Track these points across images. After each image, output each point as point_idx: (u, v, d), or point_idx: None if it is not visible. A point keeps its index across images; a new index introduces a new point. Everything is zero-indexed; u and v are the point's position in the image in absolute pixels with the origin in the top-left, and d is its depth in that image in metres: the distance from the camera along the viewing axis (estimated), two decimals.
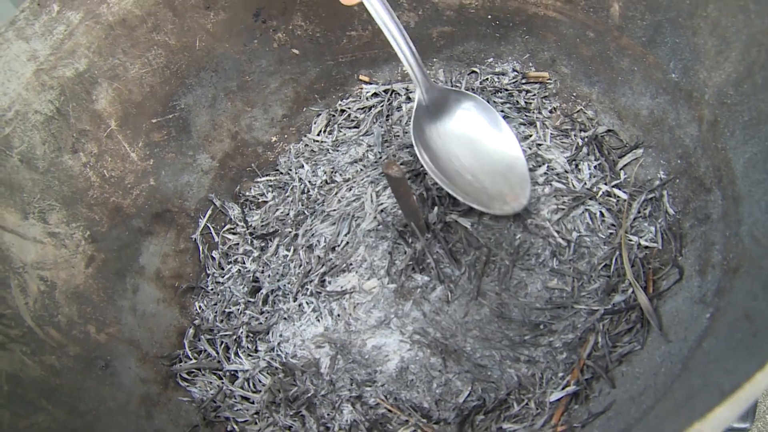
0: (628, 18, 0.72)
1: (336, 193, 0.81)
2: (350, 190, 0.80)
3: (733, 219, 0.59)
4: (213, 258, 0.81)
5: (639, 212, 0.70)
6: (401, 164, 0.79)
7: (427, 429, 0.65)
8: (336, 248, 0.76)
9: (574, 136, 0.78)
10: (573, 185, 0.74)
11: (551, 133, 0.79)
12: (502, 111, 0.81)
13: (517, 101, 0.82)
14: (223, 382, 0.71)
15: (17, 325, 0.62)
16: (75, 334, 0.67)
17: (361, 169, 0.82)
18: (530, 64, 0.84)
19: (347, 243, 0.76)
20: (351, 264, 0.75)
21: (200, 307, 0.78)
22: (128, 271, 0.75)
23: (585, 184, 0.74)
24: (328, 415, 0.68)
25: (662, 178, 0.71)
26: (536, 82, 0.83)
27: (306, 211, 0.81)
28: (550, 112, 0.81)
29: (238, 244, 0.82)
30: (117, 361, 0.69)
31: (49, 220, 0.69)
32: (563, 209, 0.73)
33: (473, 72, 0.86)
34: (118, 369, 0.68)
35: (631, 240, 0.69)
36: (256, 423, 0.68)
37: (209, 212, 0.83)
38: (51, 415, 0.59)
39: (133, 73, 0.76)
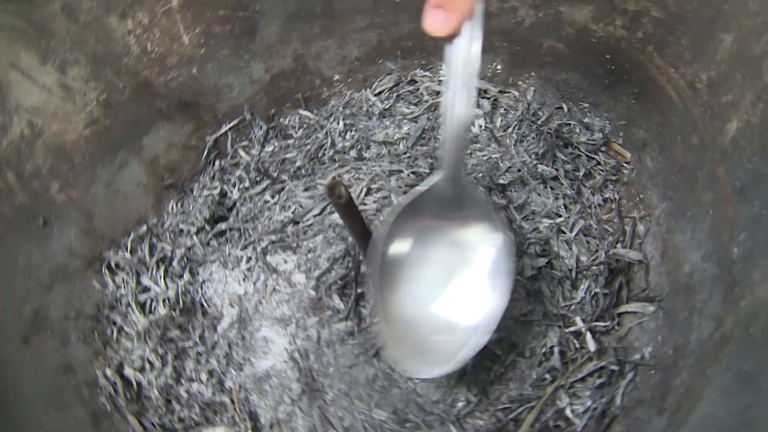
0: (738, 147, 0.58)
1: (340, 167, 0.77)
2: (355, 171, 0.76)
3: None
4: (213, 165, 0.81)
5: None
6: (408, 180, 0.72)
7: None
8: (299, 224, 0.74)
9: (605, 245, 0.68)
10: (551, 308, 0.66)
11: (583, 226, 0.69)
12: (554, 167, 0.71)
13: (578, 167, 0.72)
14: (135, 290, 0.73)
15: None
16: (34, 185, 0.71)
17: (384, 155, 0.77)
18: (620, 135, 0.71)
19: (310, 225, 0.74)
20: (299, 248, 0.73)
21: (172, 207, 0.79)
22: (126, 146, 0.77)
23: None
24: (190, 370, 0.69)
25: (646, 355, 0.61)
26: (613, 158, 0.71)
27: (309, 168, 0.78)
28: (604, 201, 0.70)
29: (239, 165, 0.81)
30: (59, 224, 0.72)
31: (68, 72, 0.71)
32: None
33: (559, 108, 0.75)
34: (55, 232, 0.72)
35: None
36: (131, 341, 0.71)
37: (236, 122, 0.82)
38: None
39: None
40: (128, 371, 0.69)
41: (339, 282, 0.69)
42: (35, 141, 0.71)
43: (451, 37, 0.48)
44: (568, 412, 0.60)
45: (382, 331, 0.59)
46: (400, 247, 0.59)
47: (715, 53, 0.60)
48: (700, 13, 0.61)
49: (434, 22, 0.46)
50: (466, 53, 0.48)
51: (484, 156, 0.74)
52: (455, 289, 0.58)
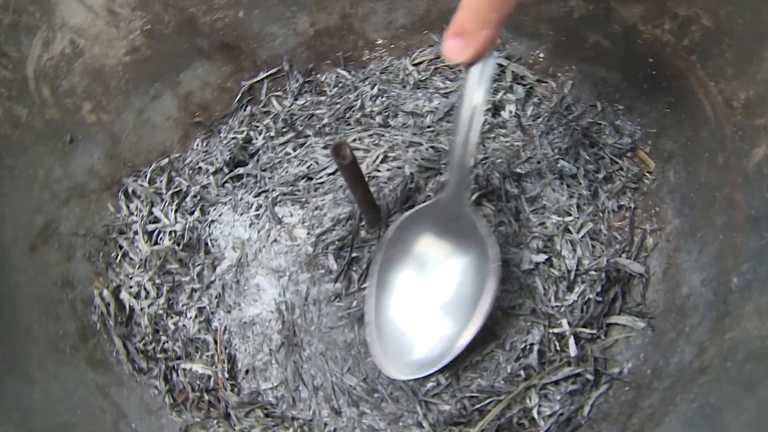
0: (761, 174, 0.56)
1: (363, 130, 0.76)
2: (377, 137, 0.76)
3: None
4: (244, 110, 0.82)
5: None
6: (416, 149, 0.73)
7: (219, 385, 0.67)
8: (312, 180, 0.74)
9: (610, 253, 0.66)
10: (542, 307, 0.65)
11: (592, 229, 0.67)
12: (576, 165, 0.70)
13: (599, 168, 0.70)
14: (145, 219, 0.75)
15: (13, 69, 0.68)
16: (67, 102, 0.73)
17: (409, 126, 0.77)
18: (649, 142, 0.69)
19: (322, 183, 0.74)
20: (307, 204, 0.73)
21: (198, 144, 0.81)
22: (162, 77, 0.79)
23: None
24: (182, 304, 0.71)
25: (624, 371, 0.61)
26: (637, 165, 0.69)
27: (333, 126, 0.79)
28: (618, 207, 0.68)
29: (269, 114, 0.82)
30: (85, 143, 0.75)
31: None
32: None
33: (593, 106, 0.72)
34: (78, 151, 0.75)
35: None
36: (133, 267, 0.73)
37: (274, 71, 0.83)
38: None
39: None
40: (124, 295, 0.72)
41: (337, 243, 0.69)
42: (75, 60, 0.74)
43: (467, 65, 0.50)
44: (534, 412, 0.60)
45: (370, 332, 0.64)
46: (399, 253, 0.64)
47: (757, 72, 0.57)
48: (751, 27, 0.58)
49: (451, 50, 0.48)
50: (478, 81, 0.50)
51: (507, 142, 0.72)
52: (443, 301, 0.62)
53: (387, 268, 0.64)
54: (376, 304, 0.64)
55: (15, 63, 0.69)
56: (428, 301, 0.63)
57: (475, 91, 0.51)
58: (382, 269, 0.64)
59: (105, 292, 0.71)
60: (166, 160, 0.80)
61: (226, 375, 0.67)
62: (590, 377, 0.60)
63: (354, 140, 0.76)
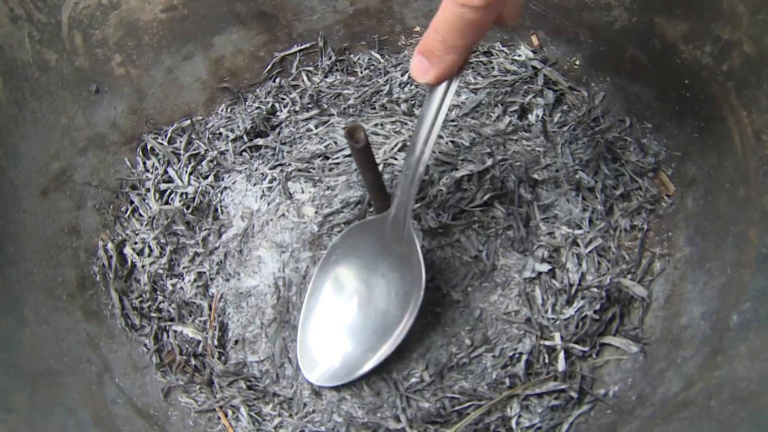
0: None
1: (387, 116, 0.76)
2: (400, 124, 0.75)
3: None
4: (272, 81, 0.83)
5: None
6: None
7: (207, 351, 0.68)
8: (328, 159, 0.74)
9: (615, 272, 0.65)
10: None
11: (600, 246, 0.66)
12: (594, 179, 0.69)
13: (617, 185, 0.68)
14: (160, 177, 0.77)
15: (48, 13, 0.69)
16: (97, 52, 0.74)
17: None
18: (672, 165, 0.67)
19: (338, 163, 0.74)
20: (320, 183, 0.73)
21: (222, 110, 0.82)
22: (195, 39, 0.79)
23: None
24: (183, 267, 0.72)
25: (610, 393, 0.60)
26: (656, 187, 0.67)
27: (358, 108, 0.79)
28: (631, 227, 0.67)
29: (297, 88, 0.82)
30: (110, 95, 0.76)
31: None
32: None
33: (621, 121, 0.71)
34: (103, 103, 0.76)
35: None
36: (140, 224, 0.75)
37: (307, 45, 0.83)
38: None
39: None
40: (128, 250, 0.73)
41: (343, 225, 0.69)
42: (110, 11, 0.75)
43: (431, 85, 0.49)
44: (513, 422, 0.59)
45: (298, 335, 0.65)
46: (338, 262, 0.65)
47: None
48: None
49: (417, 69, 0.48)
50: (438, 105, 0.50)
51: (528, 146, 0.71)
52: (370, 312, 0.63)
53: (323, 275, 0.65)
54: (306, 307, 0.65)
55: (50, 7, 0.71)
56: (351, 314, 0.64)
57: (434, 114, 0.51)
58: (319, 274, 0.65)
59: (109, 245, 0.73)
60: (189, 121, 0.81)
61: (216, 342, 0.68)
62: (574, 395, 0.60)
63: (376, 125, 0.76)
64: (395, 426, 0.61)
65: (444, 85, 0.49)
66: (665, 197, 0.67)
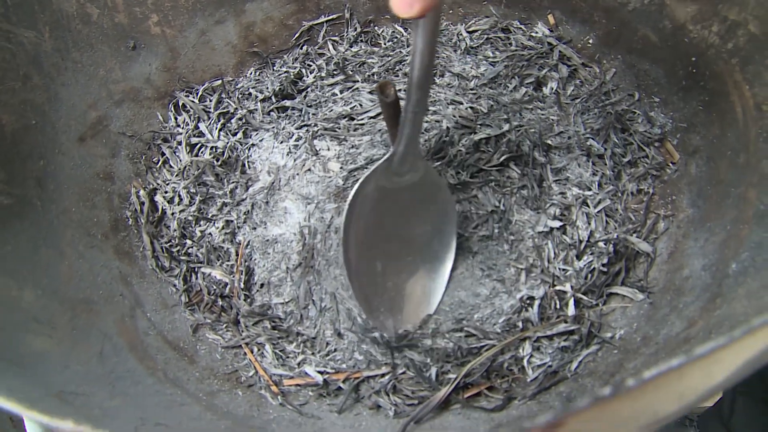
0: None
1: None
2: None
3: None
4: (300, 48, 0.88)
5: None
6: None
7: (234, 293, 0.73)
8: (354, 120, 0.80)
9: (621, 231, 0.71)
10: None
11: (608, 207, 0.72)
12: (604, 146, 0.75)
13: (626, 153, 0.75)
14: (191, 132, 0.82)
15: None
16: (136, 11, 0.80)
17: (453, 86, 0.82)
18: (677, 136, 0.73)
19: (363, 124, 0.80)
20: (345, 141, 0.79)
21: (251, 73, 0.87)
22: (228, 4, 0.85)
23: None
24: (212, 215, 0.78)
25: (616, 336, 0.66)
26: (662, 155, 0.73)
27: (382, 76, 0.84)
28: (638, 191, 0.72)
29: (323, 56, 0.88)
30: (146, 52, 0.82)
31: None
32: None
33: (631, 95, 0.77)
34: (140, 58, 0.81)
35: None
36: (171, 174, 0.80)
37: (334, 16, 0.89)
38: (41, 35, 0.72)
39: None
40: (158, 198, 0.78)
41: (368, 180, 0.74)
42: None
43: (415, 18, 0.52)
44: (525, 361, 0.65)
45: (356, 298, 0.70)
46: (362, 214, 0.68)
47: None
48: None
49: (400, 5, 0.50)
50: (429, 39, 0.53)
51: (543, 115, 0.78)
52: (414, 249, 0.70)
53: (353, 230, 0.68)
54: (355, 272, 0.69)
55: None
56: (397, 255, 0.69)
57: (427, 49, 0.54)
58: (348, 232, 0.68)
59: (141, 192, 0.77)
60: (219, 81, 0.86)
61: (242, 285, 0.73)
62: (584, 333, 0.65)
63: (399, 90, 0.81)
64: (419, 359, 0.66)
65: (431, 15, 0.51)
66: (670, 164, 0.73)
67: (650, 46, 0.77)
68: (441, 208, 0.69)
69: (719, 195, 0.67)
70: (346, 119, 0.80)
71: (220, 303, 0.73)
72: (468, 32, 0.87)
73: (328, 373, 0.67)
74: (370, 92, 0.82)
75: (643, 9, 0.77)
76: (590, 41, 0.83)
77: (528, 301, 0.68)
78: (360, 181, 0.65)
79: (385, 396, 0.66)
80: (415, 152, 0.62)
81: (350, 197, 0.66)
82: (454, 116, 0.77)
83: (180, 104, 0.83)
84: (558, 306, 0.67)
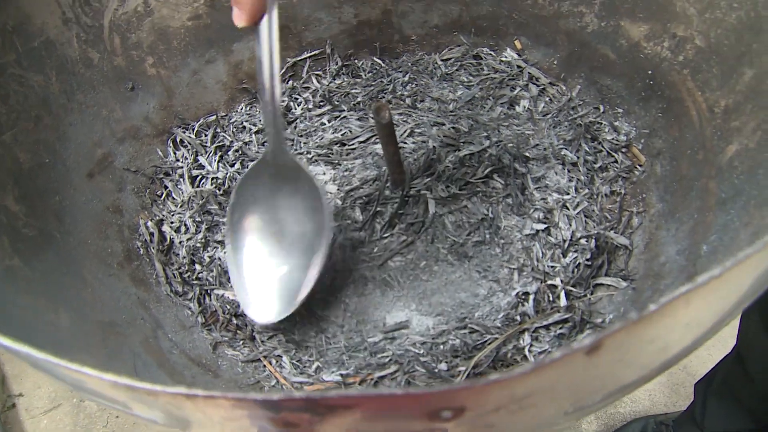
0: (731, 166, 0.69)
1: (393, 108, 0.90)
2: (406, 115, 0.90)
3: None
4: (286, 83, 0.96)
5: None
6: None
7: None
8: (345, 145, 0.88)
9: (600, 228, 0.80)
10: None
11: (586, 208, 0.81)
12: (577, 155, 0.84)
13: (597, 159, 0.84)
14: (191, 165, 0.88)
15: (93, 17, 0.81)
16: (133, 54, 0.86)
17: (434, 109, 0.91)
18: (642, 141, 0.83)
19: (354, 148, 0.88)
20: (339, 166, 0.87)
21: (242, 108, 0.95)
22: (217, 46, 0.92)
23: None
24: (217, 241, 0.84)
25: (606, 320, 0.74)
26: (630, 159, 0.83)
27: (367, 104, 0.93)
28: (611, 193, 0.82)
29: (309, 89, 0.96)
30: (144, 93, 0.88)
31: None
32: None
33: (596, 108, 0.87)
34: (138, 98, 0.88)
35: None
36: (176, 205, 0.86)
37: (316, 52, 0.97)
38: (48, 79, 0.78)
39: None
40: (166, 228, 0.83)
41: (364, 198, 0.82)
42: (145, 18, 0.86)
43: (251, 28, 0.62)
44: (526, 350, 0.72)
45: (236, 285, 0.76)
46: (244, 214, 0.75)
47: (736, 84, 0.72)
48: (734, 47, 0.72)
49: (234, 18, 0.61)
50: (267, 40, 0.63)
51: (519, 130, 0.86)
52: (288, 239, 0.75)
53: (237, 230, 0.76)
54: (236, 264, 0.75)
55: (95, 12, 0.82)
56: (275, 249, 0.75)
57: (267, 52, 0.63)
58: (232, 234, 0.76)
59: (150, 224, 0.83)
60: (213, 117, 0.93)
61: None
62: (576, 322, 0.73)
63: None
64: (428, 361, 0.73)
65: (264, 22, 0.61)
66: (638, 167, 0.82)
67: (610, 63, 0.87)
68: (309, 200, 0.74)
69: (684, 189, 0.76)
70: (338, 145, 0.88)
71: (235, 321, 0.78)
72: (442, 60, 0.96)
73: (342, 377, 0.74)
74: (358, 119, 0.90)
75: (600, 30, 0.87)
76: (555, 62, 0.92)
77: (523, 297, 0.75)
78: (239, 180, 0.75)
79: None
80: (282, 149, 0.70)
81: (233, 196, 0.74)
82: (439, 136, 0.85)
83: (178, 140, 0.90)
84: (551, 299, 0.75)
